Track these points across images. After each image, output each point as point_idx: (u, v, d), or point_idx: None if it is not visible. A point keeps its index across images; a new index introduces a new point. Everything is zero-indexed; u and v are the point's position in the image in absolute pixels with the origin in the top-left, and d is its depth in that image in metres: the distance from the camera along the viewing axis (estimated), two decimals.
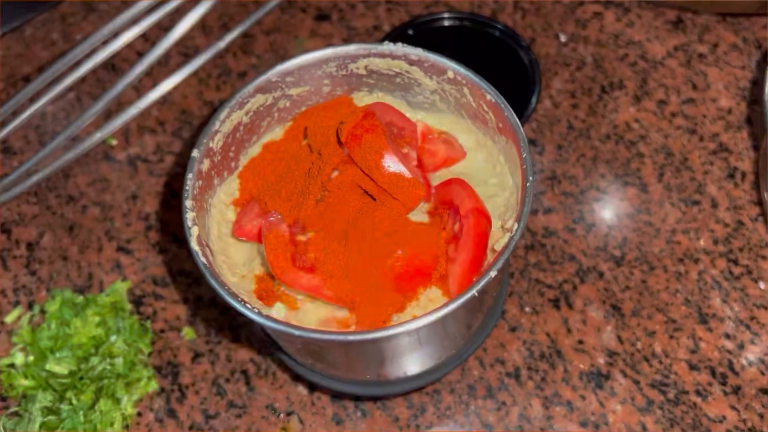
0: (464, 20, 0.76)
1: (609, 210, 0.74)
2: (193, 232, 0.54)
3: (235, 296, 0.52)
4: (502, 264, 0.51)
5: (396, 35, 0.76)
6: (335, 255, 0.54)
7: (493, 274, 0.51)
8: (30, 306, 0.73)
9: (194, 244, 0.54)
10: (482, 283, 0.51)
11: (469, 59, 0.79)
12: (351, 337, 0.51)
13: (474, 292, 0.50)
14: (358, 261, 0.54)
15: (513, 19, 0.85)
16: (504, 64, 0.77)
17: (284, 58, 0.84)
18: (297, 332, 0.50)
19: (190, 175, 0.56)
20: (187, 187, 0.56)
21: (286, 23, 0.87)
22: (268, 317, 0.51)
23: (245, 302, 0.52)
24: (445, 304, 0.50)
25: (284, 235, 0.54)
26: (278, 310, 0.54)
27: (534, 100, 0.73)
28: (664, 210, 0.73)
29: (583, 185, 0.75)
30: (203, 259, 0.53)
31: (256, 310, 0.51)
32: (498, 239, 0.55)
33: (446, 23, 0.76)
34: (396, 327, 0.50)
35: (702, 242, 0.72)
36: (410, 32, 0.76)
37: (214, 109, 0.82)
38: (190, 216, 0.55)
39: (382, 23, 0.86)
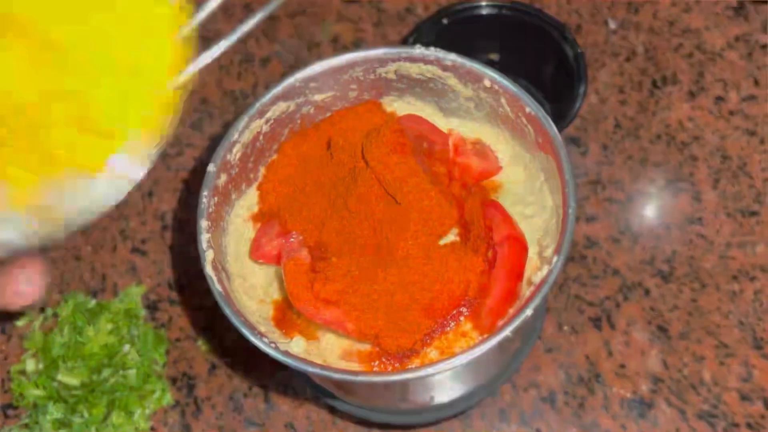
0: (503, 8, 0.70)
1: (657, 219, 0.68)
2: (208, 256, 0.50)
3: (252, 328, 0.48)
4: (540, 301, 0.47)
5: (430, 24, 0.70)
6: (359, 285, 0.49)
7: (528, 312, 0.46)
8: (42, 309, 0.70)
9: (209, 270, 0.50)
10: (516, 323, 0.46)
11: (508, 51, 0.73)
12: (374, 378, 0.47)
13: (507, 332, 0.46)
14: (384, 291, 0.49)
15: (558, 4, 0.78)
16: (547, 57, 0.70)
17: (310, 43, 0.79)
18: (317, 370, 0.47)
19: (205, 193, 0.52)
20: (202, 206, 0.51)
21: (313, 5, 0.81)
22: (286, 353, 0.47)
23: (262, 334, 0.48)
24: (475, 346, 0.46)
25: (305, 263, 0.50)
26: (297, 344, 0.50)
27: (579, 98, 0.67)
28: (719, 221, 0.68)
29: (629, 191, 0.70)
30: (218, 287, 0.49)
31: (273, 345, 0.47)
32: (535, 269, 0.50)
33: (484, 12, 0.70)
34: (418, 370, 0.46)
35: (759, 257, 0.66)
36: (445, 21, 0.70)
37: (234, 99, 0.77)
38: (204, 238, 0.50)
39: (415, 6, 0.80)
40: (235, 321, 0.48)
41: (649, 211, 0.69)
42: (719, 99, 0.73)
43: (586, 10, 0.78)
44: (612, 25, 0.77)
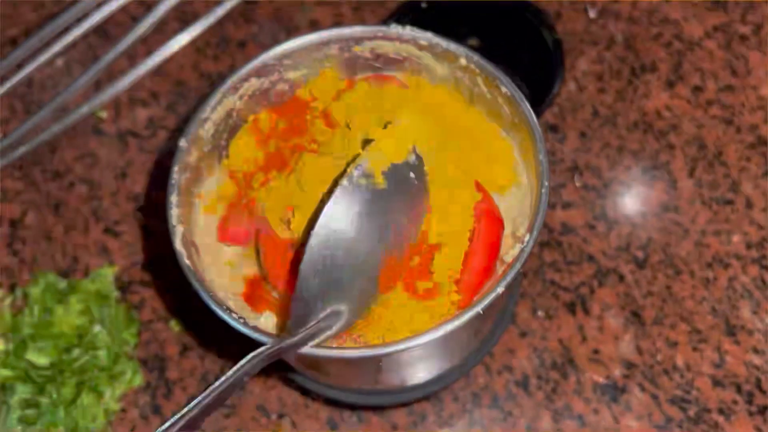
0: None
1: (634, 206, 0.68)
2: (178, 232, 0.49)
3: (220, 303, 0.47)
4: (511, 278, 0.47)
5: (408, 8, 0.70)
6: None
7: (500, 290, 0.46)
8: (12, 289, 0.68)
9: (178, 245, 0.49)
10: (489, 299, 0.46)
11: (488, 36, 0.73)
12: (347, 354, 0.46)
13: (479, 309, 0.46)
14: None
15: None
16: (525, 43, 0.70)
17: (288, 26, 0.79)
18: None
19: (176, 168, 0.51)
20: (172, 181, 0.51)
21: None
22: (254, 328, 0.47)
23: (231, 310, 0.47)
24: (450, 320, 0.46)
25: (282, 239, 0.50)
26: (266, 320, 0.50)
27: (557, 85, 0.67)
28: (694, 209, 0.68)
29: (606, 178, 0.69)
30: (187, 262, 0.49)
31: (242, 320, 0.47)
32: (508, 249, 0.50)
33: None
34: (391, 345, 0.46)
35: (734, 246, 0.66)
36: (423, 5, 0.69)
37: (211, 82, 0.76)
38: (175, 213, 0.50)
39: None
40: (204, 295, 0.47)
41: (626, 198, 0.69)
42: (697, 88, 0.73)
43: None
44: (591, 13, 0.77)
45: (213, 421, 0.63)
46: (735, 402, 0.61)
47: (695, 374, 0.62)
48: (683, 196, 0.68)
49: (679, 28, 0.75)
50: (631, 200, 0.69)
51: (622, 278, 0.65)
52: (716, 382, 0.62)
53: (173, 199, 0.50)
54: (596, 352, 0.63)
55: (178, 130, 0.74)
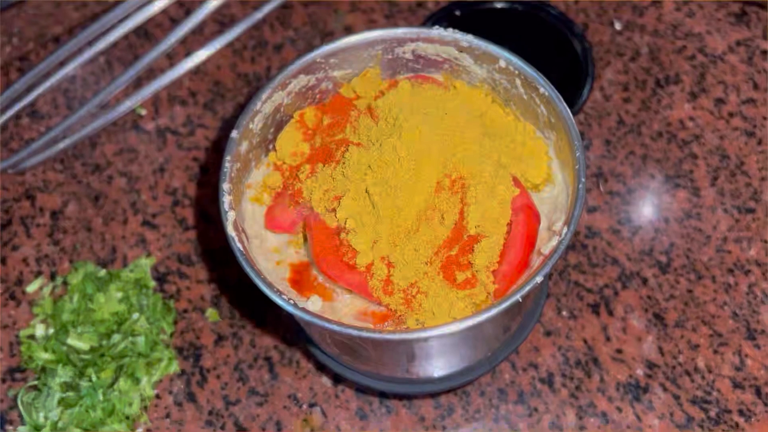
0: (515, 3, 0.72)
1: (657, 212, 0.70)
2: (230, 217, 0.51)
3: (271, 286, 0.49)
4: (549, 269, 0.49)
5: (442, 15, 0.72)
6: (389, 253, 0.51)
7: (538, 279, 0.48)
8: (52, 276, 0.71)
9: (230, 230, 0.51)
10: (527, 288, 0.48)
11: (518, 44, 0.75)
12: (389, 336, 0.48)
13: (518, 297, 0.48)
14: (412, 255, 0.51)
15: (566, 3, 0.80)
16: (555, 52, 0.73)
17: (323, 31, 0.81)
18: (336, 328, 0.48)
19: (228, 157, 0.53)
20: (225, 170, 0.53)
21: None
22: (304, 310, 0.49)
23: (280, 292, 0.49)
24: (488, 308, 0.48)
25: (331, 227, 0.52)
26: (314, 303, 0.52)
27: (586, 92, 0.69)
28: (716, 216, 0.70)
29: (630, 184, 0.72)
30: (239, 246, 0.51)
31: (292, 302, 0.49)
32: (544, 242, 0.52)
33: (497, 5, 0.72)
34: (434, 328, 0.48)
35: (754, 253, 0.68)
36: (457, 13, 0.72)
37: (247, 82, 0.79)
38: (227, 200, 0.52)
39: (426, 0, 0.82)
40: (257, 279, 0.49)
41: (649, 204, 0.71)
42: (719, 101, 0.75)
43: (592, 11, 0.80)
44: (617, 26, 0.79)
45: (245, 408, 0.64)
46: (754, 404, 0.63)
47: (716, 376, 0.64)
48: (705, 204, 0.70)
49: (702, 42, 0.78)
50: (655, 206, 0.71)
51: (645, 281, 0.67)
52: (736, 385, 0.63)
53: (225, 186, 0.52)
54: (619, 351, 0.65)
55: (215, 129, 0.77)
